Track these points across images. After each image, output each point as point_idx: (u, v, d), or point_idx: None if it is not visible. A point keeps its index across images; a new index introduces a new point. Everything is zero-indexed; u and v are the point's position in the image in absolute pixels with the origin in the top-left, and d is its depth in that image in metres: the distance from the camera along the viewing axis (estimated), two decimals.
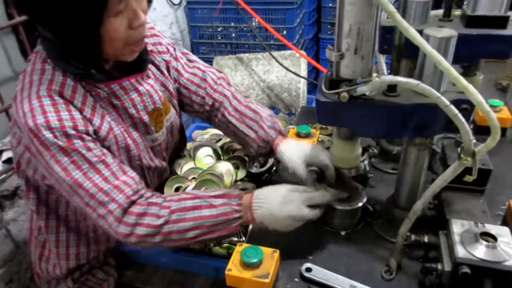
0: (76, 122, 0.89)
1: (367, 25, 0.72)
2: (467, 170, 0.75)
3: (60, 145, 0.87)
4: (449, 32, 0.72)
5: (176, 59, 1.19)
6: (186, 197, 0.94)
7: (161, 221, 0.89)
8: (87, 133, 0.91)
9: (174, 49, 1.20)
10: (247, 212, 0.93)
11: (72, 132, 0.88)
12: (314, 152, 1.02)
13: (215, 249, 1.06)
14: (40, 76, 0.90)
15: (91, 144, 0.90)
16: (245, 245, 0.86)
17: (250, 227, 1.02)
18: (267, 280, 0.80)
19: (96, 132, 0.93)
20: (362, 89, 0.73)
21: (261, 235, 0.99)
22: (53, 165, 0.88)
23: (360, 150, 0.95)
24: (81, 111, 0.91)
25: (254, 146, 1.16)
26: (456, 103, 0.70)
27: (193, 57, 1.25)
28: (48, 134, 0.86)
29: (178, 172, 1.31)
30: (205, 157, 1.32)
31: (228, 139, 1.46)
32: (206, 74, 1.22)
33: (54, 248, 1.11)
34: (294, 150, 1.06)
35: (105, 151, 0.93)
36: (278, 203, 0.91)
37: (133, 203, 0.91)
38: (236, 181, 1.27)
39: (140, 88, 1.02)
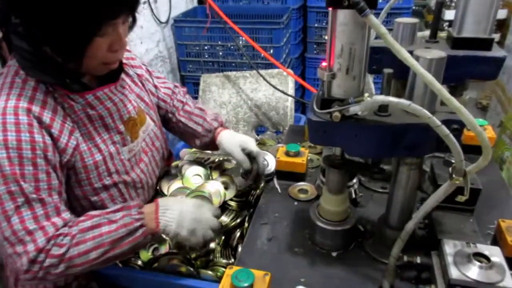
0: (35, 146, 0.88)
1: (359, 46, 0.73)
2: (457, 190, 0.75)
3: (5, 170, 0.86)
4: (439, 53, 0.73)
5: (150, 75, 1.30)
6: (84, 219, 0.94)
7: (63, 249, 0.89)
8: (45, 158, 0.90)
9: (146, 66, 1.30)
10: (150, 220, 0.95)
11: (28, 155, 0.87)
12: (246, 139, 1.25)
13: (204, 272, 1.03)
14: (8, 91, 0.90)
15: (41, 175, 0.89)
16: (235, 267, 0.83)
17: (240, 249, 1.00)
18: None
19: (63, 150, 0.93)
20: (354, 109, 0.73)
21: (252, 256, 0.96)
22: None
23: (348, 203, 0.98)
24: (48, 128, 0.91)
25: (199, 137, 1.32)
26: (447, 123, 0.71)
27: (159, 74, 1.37)
28: (2, 154, 0.86)
29: (165, 192, 1.28)
30: (193, 176, 1.29)
31: (217, 158, 1.45)
32: (175, 88, 1.38)
33: None
34: (232, 138, 1.26)
35: (53, 184, 0.91)
36: (190, 219, 0.98)
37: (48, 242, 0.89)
38: (225, 201, 1.25)
39: (114, 97, 1.04)
